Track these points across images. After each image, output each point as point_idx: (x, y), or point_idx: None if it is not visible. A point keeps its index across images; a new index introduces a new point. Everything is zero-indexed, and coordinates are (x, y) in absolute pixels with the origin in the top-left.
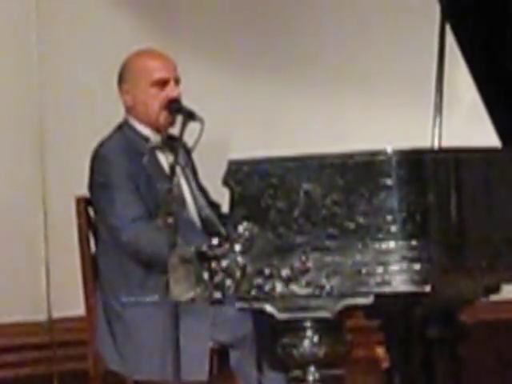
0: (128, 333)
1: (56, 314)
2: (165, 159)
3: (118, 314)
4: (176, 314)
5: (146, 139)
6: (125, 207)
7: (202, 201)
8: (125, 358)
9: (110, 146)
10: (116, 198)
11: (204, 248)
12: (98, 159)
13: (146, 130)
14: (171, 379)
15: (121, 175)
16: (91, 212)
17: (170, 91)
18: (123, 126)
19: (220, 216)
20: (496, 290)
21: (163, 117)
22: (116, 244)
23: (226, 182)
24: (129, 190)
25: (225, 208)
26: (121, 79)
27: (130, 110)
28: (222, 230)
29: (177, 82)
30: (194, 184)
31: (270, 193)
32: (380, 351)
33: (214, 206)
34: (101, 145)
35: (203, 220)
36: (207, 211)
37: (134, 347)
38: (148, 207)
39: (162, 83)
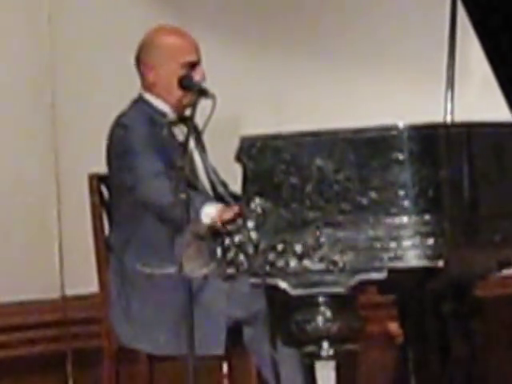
0: (144, 306)
1: (69, 292)
2: (182, 136)
3: (133, 285)
4: (190, 289)
5: (163, 114)
6: (146, 165)
7: (214, 177)
8: (140, 333)
9: (130, 116)
10: (137, 161)
11: (217, 224)
12: (119, 129)
13: (163, 106)
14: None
15: (142, 142)
16: (104, 189)
17: (200, 74)
18: (138, 102)
19: (229, 195)
20: (509, 264)
21: (187, 99)
22: (134, 198)
23: (238, 158)
24: (150, 153)
25: (237, 185)
26: (144, 54)
27: (150, 86)
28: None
29: (200, 63)
30: (206, 161)
31: (283, 169)
32: (393, 326)
33: (223, 185)
34: (121, 116)
35: (217, 198)
36: (220, 188)
37: (149, 321)
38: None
39: (192, 65)
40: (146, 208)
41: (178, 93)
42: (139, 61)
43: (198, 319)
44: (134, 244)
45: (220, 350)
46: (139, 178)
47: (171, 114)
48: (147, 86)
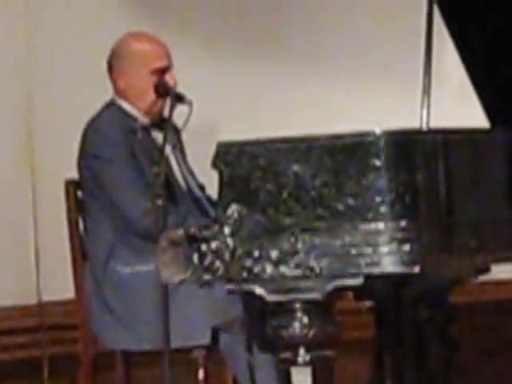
0: (127, 304)
1: (46, 298)
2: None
3: (114, 286)
4: (165, 294)
5: (135, 119)
6: (135, 194)
7: (192, 182)
8: (123, 332)
9: (104, 120)
10: (124, 180)
11: (193, 230)
12: (93, 131)
13: (134, 111)
14: (173, 347)
15: (120, 150)
16: (81, 194)
17: (171, 79)
18: (110, 106)
19: (205, 198)
20: (485, 270)
21: (158, 105)
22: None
23: (214, 164)
24: (134, 169)
25: (213, 191)
26: (115, 60)
27: (121, 92)
28: (211, 212)
29: (172, 69)
30: (183, 165)
31: (259, 175)
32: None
33: (200, 188)
34: (93, 120)
35: (194, 201)
36: (197, 192)
37: (134, 318)
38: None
39: (161, 72)
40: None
41: (149, 99)
42: (110, 68)
43: (183, 309)
44: (112, 247)
45: (206, 340)
46: (133, 214)
47: (142, 119)
48: (119, 92)
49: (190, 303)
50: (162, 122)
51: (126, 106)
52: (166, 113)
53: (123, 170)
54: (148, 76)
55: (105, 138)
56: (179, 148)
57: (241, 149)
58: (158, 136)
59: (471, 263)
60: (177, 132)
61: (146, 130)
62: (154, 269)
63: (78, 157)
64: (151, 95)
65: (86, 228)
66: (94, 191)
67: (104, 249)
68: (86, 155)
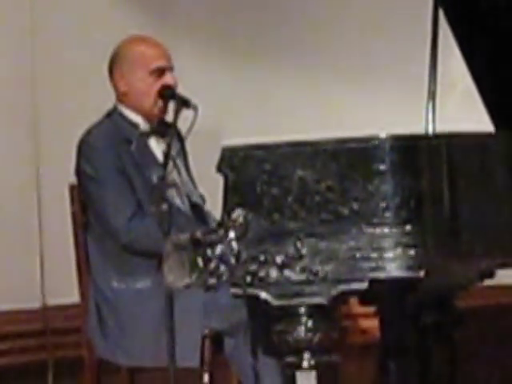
0: (120, 319)
1: (50, 302)
2: (156, 145)
3: (109, 300)
4: (171, 298)
5: (136, 126)
6: (118, 206)
7: (191, 188)
8: (116, 345)
9: (97, 134)
10: (108, 195)
11: (198, 234)
12: (85, 147)
13: (136, 117)
14: (164, 365)
15: (110, 167)
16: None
17: (168, 80)
18: (112, 113)
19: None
20: (490, 275)
21: (158, 106)
22: (116, 244)
23: (219, 169)
24: (119, 184)
25: (219, 195)
26: (114, 64)
27: (122, 96)
28: (211, 224)
29: (171, 70)
30: (184, 171)
31: (264, 179)
32: (366, 323)
33: (201, 199)
34: (88, 132)
35: (193, 206)
36: (196, 199)
37: (125, 333)
38: (139, 198)
39: (160, 72)
40: (132, 252)
41: (150, 100)
42: (111, 73)
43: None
44: (108, 260)
45: (194, 362)
46: (116, 223)
47: (143, 125)
48: (119, 96)
49: (181, 324)
50: (164, 127)
51: (127, 111)
52: (169, 117)
53: (107, 186)
54: (147, 77)
55: (94, 153)
56: (182, 154)
57: (246, 153)
58: (158, 143)
59: (476, 268)
60: (181, 140)
61: (145, 136)
62: (150, 285)
63: (75, 169)
64: (152, 96)
65: (87, 233)
66: (90, 206)
67: (102, 261)
68: (78, 167)
